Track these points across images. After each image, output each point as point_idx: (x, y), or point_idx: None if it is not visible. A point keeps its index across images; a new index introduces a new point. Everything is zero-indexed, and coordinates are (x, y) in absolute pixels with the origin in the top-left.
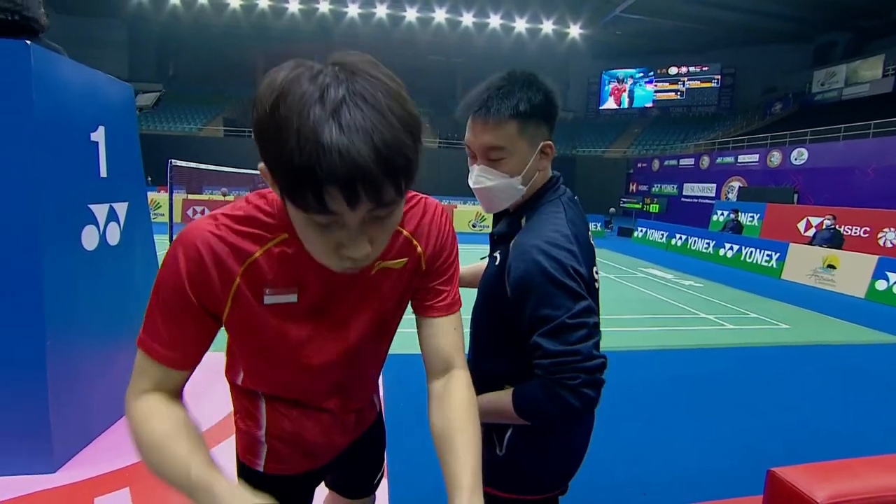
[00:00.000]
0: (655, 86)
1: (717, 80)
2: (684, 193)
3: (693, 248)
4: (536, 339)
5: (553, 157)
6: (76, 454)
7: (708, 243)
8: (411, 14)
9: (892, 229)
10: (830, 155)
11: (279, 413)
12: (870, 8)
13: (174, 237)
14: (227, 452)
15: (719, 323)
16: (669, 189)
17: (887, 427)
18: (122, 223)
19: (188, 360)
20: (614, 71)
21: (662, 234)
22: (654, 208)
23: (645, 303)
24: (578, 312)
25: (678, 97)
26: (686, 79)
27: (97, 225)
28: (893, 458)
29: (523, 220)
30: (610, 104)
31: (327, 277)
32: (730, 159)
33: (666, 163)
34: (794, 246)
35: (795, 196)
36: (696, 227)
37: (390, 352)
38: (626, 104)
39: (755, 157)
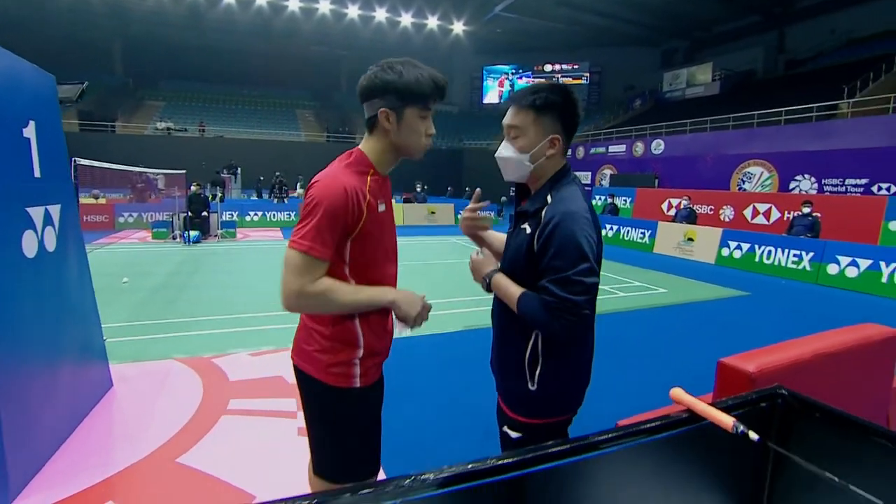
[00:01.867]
0: (534, 81)
1: (587, 77)
2: None
3: None
4: (546, 284)
5: (560, 152)
6: (30, 481)
7: None
8: (294, 4)
9: (729, 206)
10: (681, 145)
11: (367, 324)
12: (699, 21)
13: (314, 184)
14: (210, 445)
15: (613, 292)
16: None
17: (739, 347)
18: (56, 227)
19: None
20: (494, 67)
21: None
22: None
23: None
24: (581, 271)
25: None
26: (560, 75)
27: (35, 230)
28: (790, 342)
29: (549, 198)
30: (492, 98)
31: (388, 196)
32: (602, 149)
33: None
34: (662, 224)
35: (656, 181)
36: None
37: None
38: (506, 98)
39: (622, 148)
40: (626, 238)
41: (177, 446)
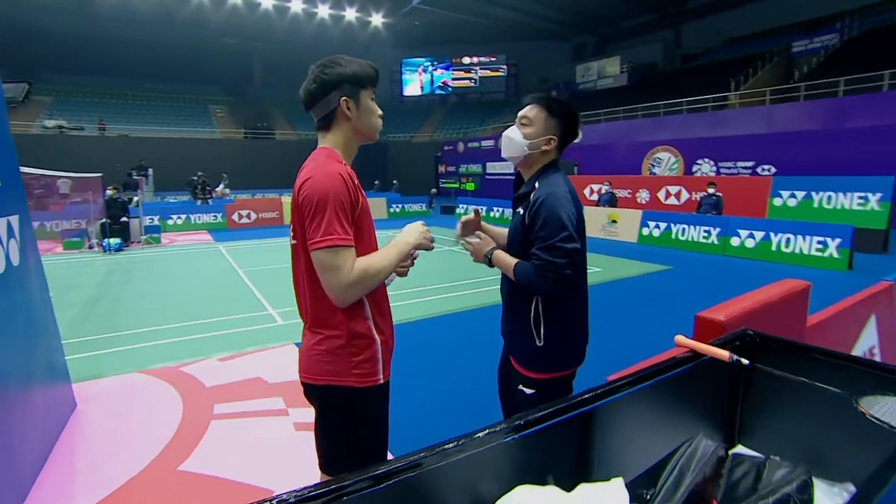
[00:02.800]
0: (452, 73)
1: (504, 69)
2: (488, 172)
3: (509, 218)
4: (535, 251)
5: (554, 151)
6: None
7: None
8: None
9: (645, 190)
10: (596, 134)
11: (376, 310)
12: (606, 18)
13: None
14: (209, 450)
15: None
16: (475, 168)
17: (671, 314)
18: (18, 240)
19: None
20: (412, 59)
21: (482, 209)
22: (470, 186)
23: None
24: (562, 238)
25: (473, 84)
26: (478, 68)
27: (1, 243)
28: (745, 296)
29: (537, 184)
30: (413, 90)
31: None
32: None
33: (469, 145)
34: (588, 208)
35: (576, 168)
36: (508, 200)
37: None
38: (427, 90)
39: None
40: None
41: (174, 455)
